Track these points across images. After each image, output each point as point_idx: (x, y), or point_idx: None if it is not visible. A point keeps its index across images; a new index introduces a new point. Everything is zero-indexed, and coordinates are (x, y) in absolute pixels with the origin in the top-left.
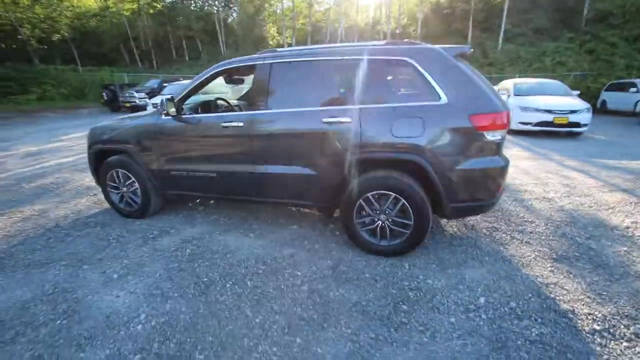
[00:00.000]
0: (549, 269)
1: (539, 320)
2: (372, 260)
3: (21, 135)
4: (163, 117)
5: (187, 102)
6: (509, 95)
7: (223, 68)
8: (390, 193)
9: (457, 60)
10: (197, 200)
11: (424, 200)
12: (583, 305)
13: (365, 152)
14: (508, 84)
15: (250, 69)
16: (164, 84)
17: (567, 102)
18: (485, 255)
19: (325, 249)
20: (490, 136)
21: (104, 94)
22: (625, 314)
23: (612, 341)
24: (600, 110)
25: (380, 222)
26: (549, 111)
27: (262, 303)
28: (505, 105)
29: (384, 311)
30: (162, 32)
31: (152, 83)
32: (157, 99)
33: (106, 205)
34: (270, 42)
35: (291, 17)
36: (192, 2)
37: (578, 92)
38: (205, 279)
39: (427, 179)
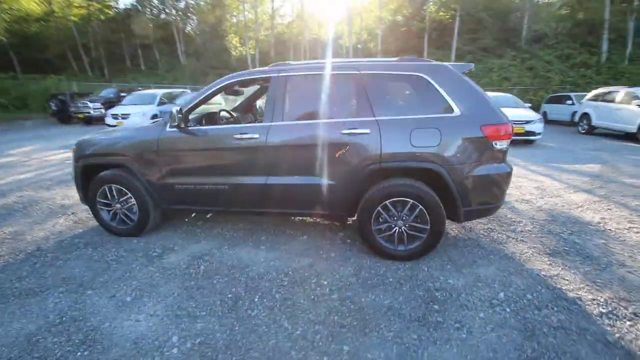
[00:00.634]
0: (547, 263)
1: (555, 308)
2: (391, 265)
3: None
4: (168, 129)
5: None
6: None
7: (236, 80)
8: (408, 200)
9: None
10: (193, 215)
11: (440, 206)
12: (585, 292)
13: (385, 161)
14: None
15: (263, 82)
16: (121, 94)
17: (521, 113)
18: (489, 254)
19: (341, 257)
20: (499, 145)
21: (52, 104)
22: (621, 297)
23: (618, 321)
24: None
25: (398, 228)
26: None
27: (297, 314)
28: (507, 118)
29: (418, 312)
30: (115, 39)
31: (108, 93)
32: (117, 110)
33: (91, 224)
34: (233, 53)
35: (253, 29)
36: (148, 10)
37: (530, 104)
38: (230, 295)
39: (442, 186)
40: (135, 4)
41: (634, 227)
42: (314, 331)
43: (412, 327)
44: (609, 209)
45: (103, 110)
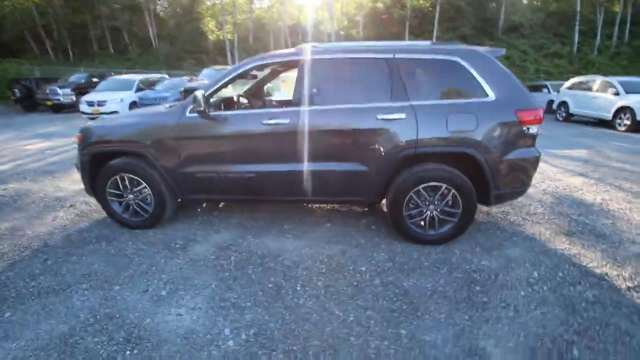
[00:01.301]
0: (567, 242)
1: (587, 284)
2: (423, 249)
3: None
4: (188, 114)
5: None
6: None
7: (262, 62)
8: (441, 184)
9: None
10: (204, 205)
11: (472, 190)
12: (609, 269)
13: (420, 146)
14: None
15: (291, 65)
16: (93, 79)
17: None
18: (512, 236)
19: (371, 243)
20: (531, 130)
21: (15, 90)
22: None
23: None
24: None
25: (430, 213)
26: None
27: (345, 301)
28: (537, 103)
29: (462, 294)
30: (80, 21)
31: (78, 78)
32: (92, 96)
33: (95, 216)
34: (210, 37)
35: (231, 12)
36: None
37: None
38: (270, 285)
39: (475, 170)
40: None
41: (634, 207)
42: (366, 316)
43: (460, 308)
44: (606, 190)
45: (74, 97)
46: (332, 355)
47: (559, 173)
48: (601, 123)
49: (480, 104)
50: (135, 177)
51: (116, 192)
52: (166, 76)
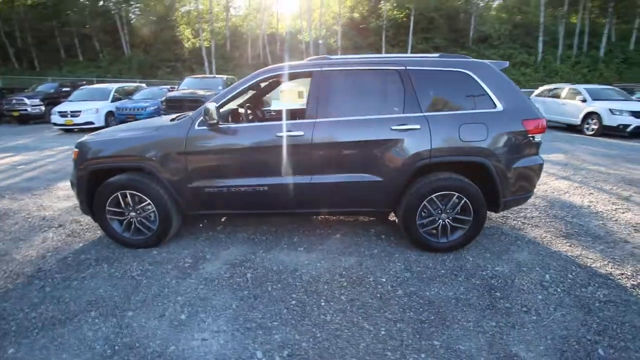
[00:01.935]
0: (567, 244)
1: (596, 284)
2: (436, 257)
3: None
4: (197, 126)
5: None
6: None
7: (274, 73)
8: (454, 193)
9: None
10: (205, 220)
11: (482, 198)
12: (612, 268)
13: (435, 156)
14: None
15: (304, 76)
16: (63, 88)
17: None
18: (516, 240)
19: (385, 252)
20: (536, 138)
21: None
22: None
23: None
24: None
25: (442, 221)
26: None
27: (373, 314)
28: (541, 113)
29: (485, 301)
30: (46, 28)
31: (47, 87)
32: (64, 107)
33: (88, 236)
34: (186, 45)
35: (207, 20)
36: None
37: None
38: (293, 302)
39: (485, 178)
40: None
41: (619, 208)
42: (397, 329)
43: (486, 315)
44: (591, 193)
45: (43, 108)
46: None
47: (544, 177)
48: (569, 128)
49: (490, 114)
50: (138, 194)
51: (117, 210)
52: (143, 85)
